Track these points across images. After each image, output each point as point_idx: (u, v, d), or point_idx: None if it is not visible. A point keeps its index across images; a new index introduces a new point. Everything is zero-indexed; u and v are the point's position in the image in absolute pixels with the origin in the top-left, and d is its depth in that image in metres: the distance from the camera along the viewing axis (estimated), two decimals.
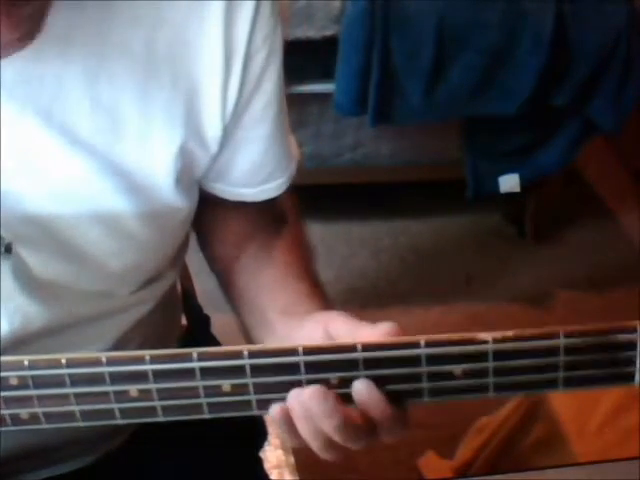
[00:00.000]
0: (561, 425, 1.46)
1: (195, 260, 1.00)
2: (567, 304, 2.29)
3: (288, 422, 0.65)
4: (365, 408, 0.64)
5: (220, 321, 1.10)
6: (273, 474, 1.13)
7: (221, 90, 0.74)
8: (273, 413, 0.65)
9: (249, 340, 0.84)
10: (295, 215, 0.91)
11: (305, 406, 0.63)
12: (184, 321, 1.06)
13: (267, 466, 1.11)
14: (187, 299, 1.08)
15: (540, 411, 1.52)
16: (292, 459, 1.18)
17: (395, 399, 0.64)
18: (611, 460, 0.99)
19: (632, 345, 0.62)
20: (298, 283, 0.83)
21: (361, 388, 0.63)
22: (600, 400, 1.45)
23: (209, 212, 0.88)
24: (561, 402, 1.48)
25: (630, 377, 0.63)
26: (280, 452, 1.18)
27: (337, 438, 0.64)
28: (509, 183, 2.28)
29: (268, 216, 0.88)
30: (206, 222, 0.89)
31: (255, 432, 1.07)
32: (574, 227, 2.58)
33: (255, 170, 0.83)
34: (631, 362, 0.63)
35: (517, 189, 2.29)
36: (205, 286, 1.14)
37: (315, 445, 0.66)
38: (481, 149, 2.29)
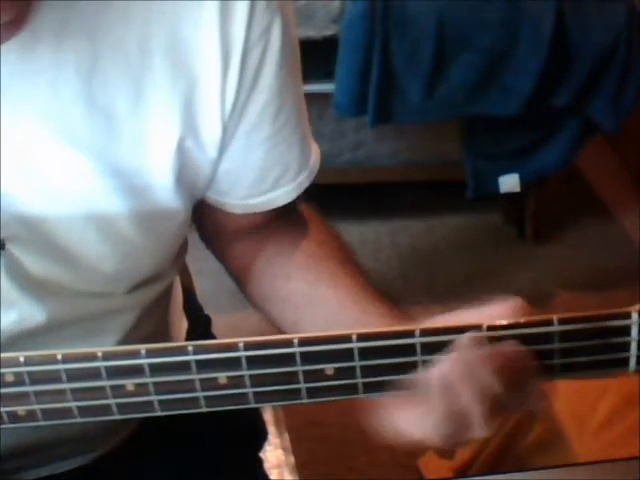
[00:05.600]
0: (561, 425, 1.46)
1: (195, 260, 1.00)
2: (567, 304, 2.29)
3: (446, 384, 0.63)
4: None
5: (221, 321, 1.10)
6: (273, 474, 1.13)
7: (219, 88, 0.73)
8: (434, 376, 0.63)
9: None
10: (320, 224, 0.89)
11: (461, 360, 0.62)
12: (185, 321, 1.06)
13: (267, 466, 1.11)
14: (187, 299, 1.08)
15: (540, 411, 1.52)
16: (292, 459, 1.19)
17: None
18: (611, 460, 0.99)
19: (626, 331, 0.62)
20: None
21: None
22: (600, 400, 1.45)
23: (217, 219, 0.87)
24: (561, 402, 1.48)
25: (624, 363, 0.63)
26: (280, 452, 1.18)
27: (497, 389, 0.62)
28: (509, 183, 2.28)
29: (283, 221, 0.86)
30: (215, 227, 0.88)
31: (255, 432, 1.07)
32: (574, 227, 2.58)
33: (260, 176, 0.81)
34: (625, 348, 0.63)
35: (517, 189, 2.30)
36: (205, 286, 1.14)
37: (478, 416, 0.63)
38: (481, 149, 2.30)
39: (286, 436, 1.19)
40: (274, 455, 1.17)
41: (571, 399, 1.47)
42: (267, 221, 0.86)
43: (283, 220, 0.86)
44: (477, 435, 0.64)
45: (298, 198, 0.85)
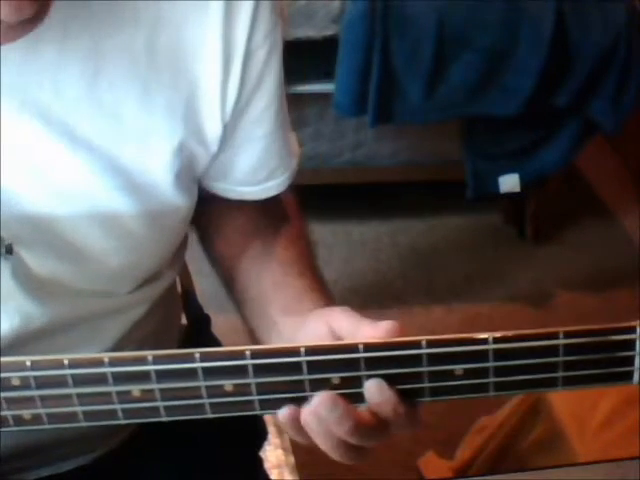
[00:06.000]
0: (561, 425, 1.46)
1: (195, 260, 1.00)
2: (567, 304, 2.29)
3: (297, 427, 0.64)
4: (377, 408, 0.63)
5: (221, 321, 1.10)
6: (273, 474, 1.13)
7: (220, 89, 0.74)
8: (282, 417, 0.64)
9: (254, 341, 0.83)
10: (296, 212, 0.91)
11: (316, 415, 0.63)
12: (184, 321, 1.06)
13: (267, 466, 1.11)
14: (187, 299, 1.08)
15: (540, 411, 1.52)
16: (292, 459, 1.18)
17: (407, 396, 0.64)
18: (611, 460, 0.99)
19: (631, 345, 0.62)
20: (298, 280, 0.82)
21: (373, 388, 0.63)
22: (600, 400, 1.45)
23: (211, 212, 0.88)
24: (561, 402, 1.48)
25: (629, 376, 0.64)
26: (280, 452, 1.18)
27: (351, 440, 0.64)
28: (509, 183, 2.28)
29: (270, 214, 0.88)
30: (208, 222, 0.89)
31: (255, 432, 1.07)
32: (574, 227, 2.58)
33: (257, 168, 0.83)
34: (630, 362, 0.63)
35: (517, 189, 2.30)
36: (205, 286, 1.14)
37: (329, 449, 0.65)
38: (481, 149, 2.29)
39: (286, 436, 1.19)
40: (274, 455, 1.17)
41: (571, 399, 1.47)
42: (257, 214, 0.87)
43: (270, 215, 0.88)
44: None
45: (286, 191, 0.87)
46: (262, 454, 1.09)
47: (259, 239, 0.87)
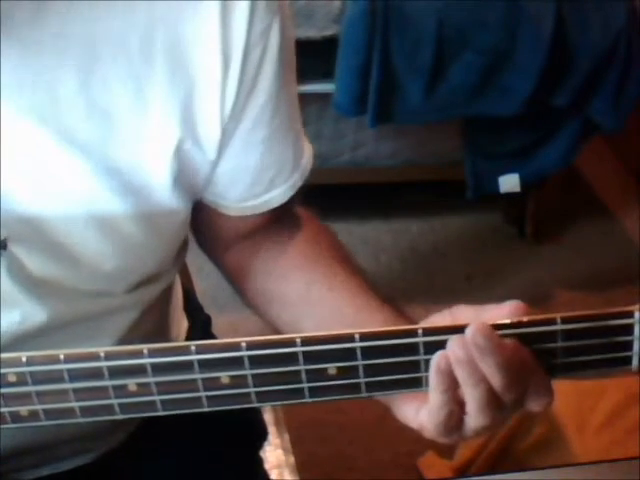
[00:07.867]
0: (561, 425, 1.46)
1: (195, 260, 1.00)
2: (567, 304, 2.29)
3: (450, 376, 0.63)
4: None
5: (221, 321, 1.10)
6: (273, 474, 1.13)
7: (219, 89, 0.73)
8: (437, 363, 0.63)
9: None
10: (316, 224, 0.89)
11: (468, 344, 0.62)
12: (185, 321, 1.06)
13: (267, 466, 1.11)
14: (187, 299, 1.08)
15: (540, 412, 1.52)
16: (292, 459, 1.19)
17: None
18: (611, 460, 0.99)
19: (629, 329, 0.62)
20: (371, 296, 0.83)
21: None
22: (600, 400, 1.45)
23: (213, 223, 0.86)
24: (561, 402, 1.48)
25: (628, 361, 0.64)
26: (280, 452, 1.18)
27: (497, 381, 0.62)
28: (509, 183, 2.28)
29: (278, 222, 0.86)
30: (208, 227, 0.88)
31: (255, 432, 1.07)
32: (574, 227, 2.58)
33: (256, 177, 0.81)
34: (628, 347, 0.63)
35: (517, 189, 2.30)
36: (205, 286, 1.14)
37: (473, 403, 0.63)
38: (481, 149, 2.30)
39: (286, 436, 1.19)
40: (274, 455, 1.17)
41: (571, 399, 1.47)
42: (263, 223, 0.86)
43: (279, 222, 0.86)
44: (472, 426, 0.65)
45: (292, 199, 0.84)
46: (262, 454, 1.09)
47: (275, 243, 0.86)
